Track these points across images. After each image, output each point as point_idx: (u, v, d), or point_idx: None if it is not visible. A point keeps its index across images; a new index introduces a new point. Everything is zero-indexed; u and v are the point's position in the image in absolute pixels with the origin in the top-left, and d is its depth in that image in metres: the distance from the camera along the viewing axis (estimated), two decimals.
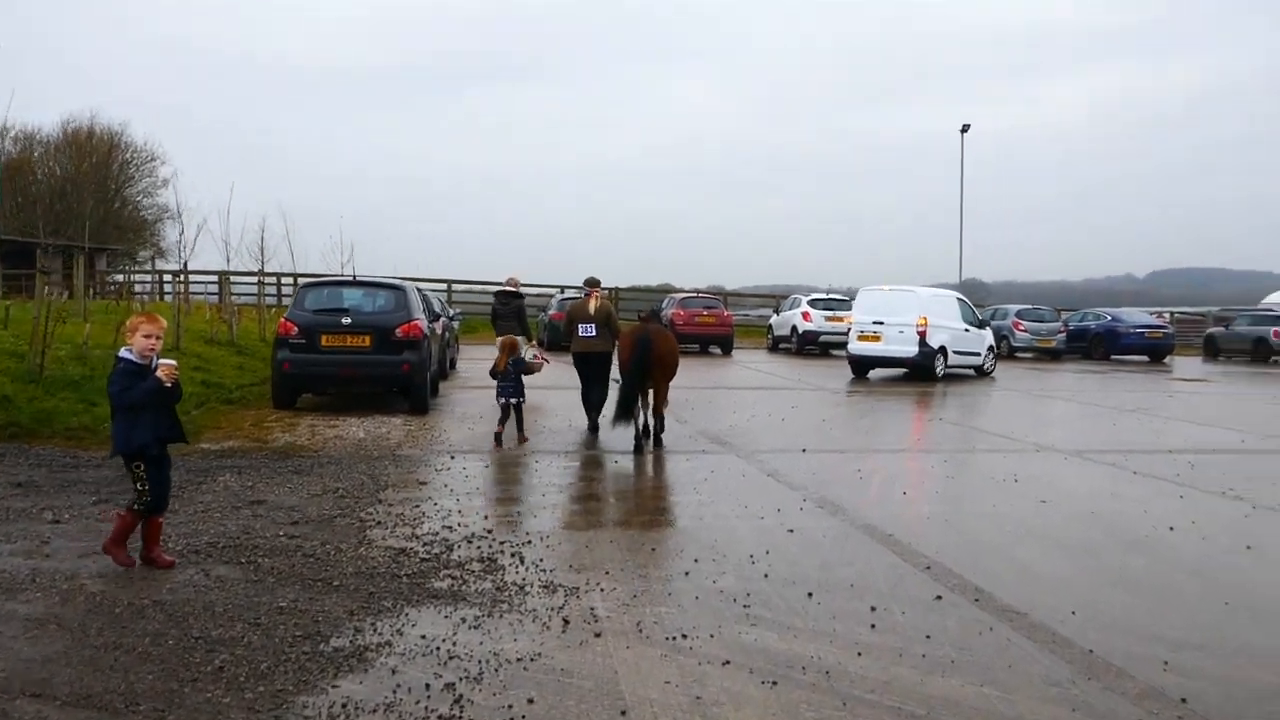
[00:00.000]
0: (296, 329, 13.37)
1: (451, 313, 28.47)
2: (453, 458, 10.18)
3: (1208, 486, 9.50)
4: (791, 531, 7.23)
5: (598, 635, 4.91)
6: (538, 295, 39.35)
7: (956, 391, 19.61)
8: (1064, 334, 32.75)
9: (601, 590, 5.67)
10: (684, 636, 4.92)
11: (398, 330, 13.50)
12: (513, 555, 6.38)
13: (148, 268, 54.88)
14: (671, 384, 11.82)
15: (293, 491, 8.23)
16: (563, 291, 35.39)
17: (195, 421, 11.92)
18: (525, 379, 11.92)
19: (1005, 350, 32.77)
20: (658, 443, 11.29)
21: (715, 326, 30.49)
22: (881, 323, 21.71)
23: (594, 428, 12.36)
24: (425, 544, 6.59)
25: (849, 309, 31.60)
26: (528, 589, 5.66)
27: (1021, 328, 32.47)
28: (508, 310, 16.81)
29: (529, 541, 6.76)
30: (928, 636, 5.01)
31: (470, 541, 6.70)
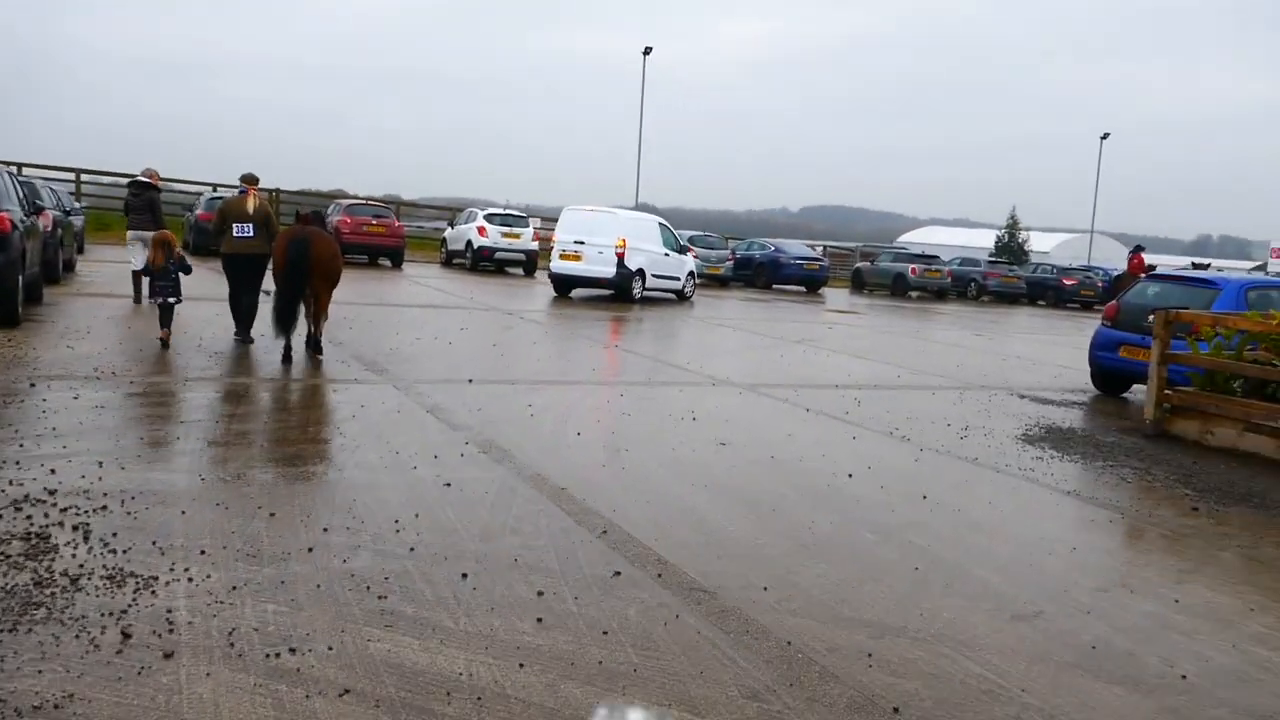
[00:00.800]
0: None
1: (73, 205, 24.67)
2: (33, 385, 8.15)
3: (876, 426, 9.41)
4: (448, 486, 6.12)
5: (168, 656, 3.58)
6: (181, 193, 35.31)
7: (644, 316, 19.27)
8: (731, 262, 33.67)
9: (190, 580, 4.31)
10: (292, 651, 3.70)
11: None
12: (75, 528, 4.82)
13: None
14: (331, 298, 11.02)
15: None
16: (214, 190, 31.86)
17: None
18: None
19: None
20: (317, 349, 10.73)
21: (385, 237, 28.54)
22: (582, 242, 21.90)
23: (245, 338, 11.51)
24: None
25: (526, 225, 30.83)
26: (83, 582, 4.19)
27: (693, 254, 32.96)
28: (140, 203, 15.44)
29: (104, 507, 5.19)
30: (604, 633, 4.11)
31: (19, 508, 5.05)
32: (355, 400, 8.67)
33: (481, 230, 29.95)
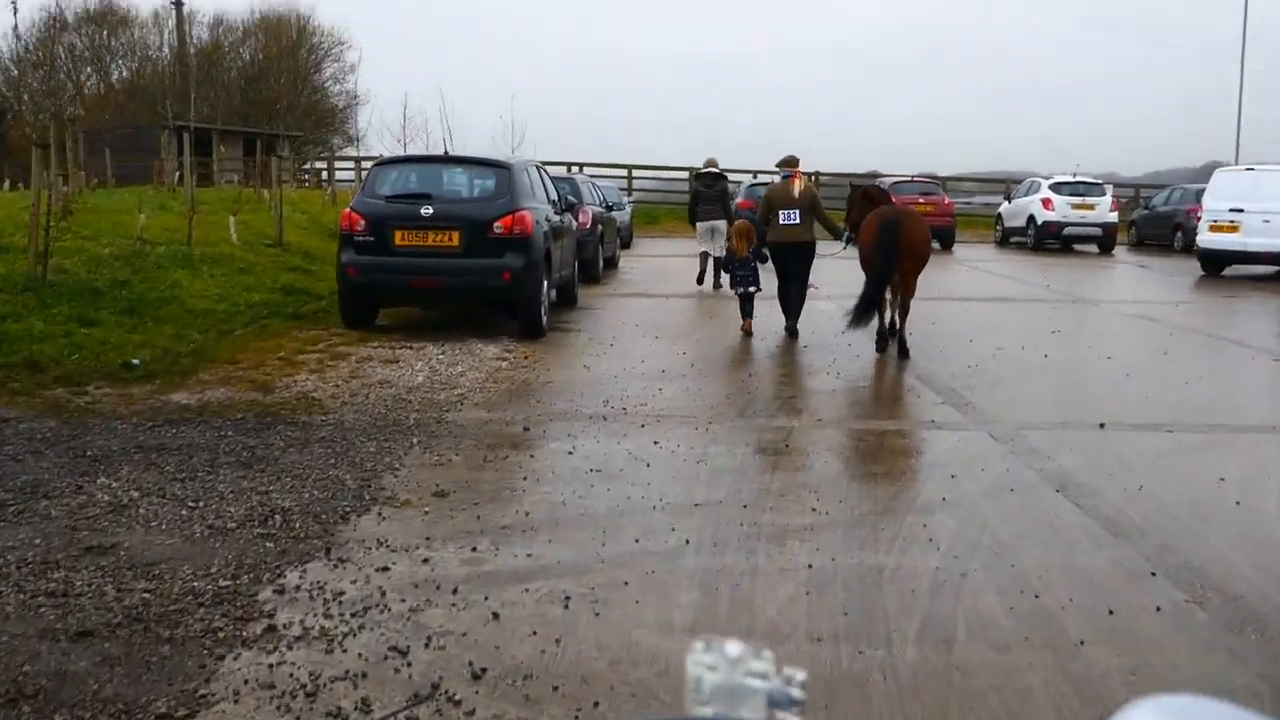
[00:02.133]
0: (364, 222, 9.87)
1: (621, 201, 24.74)
2: (526, 430, 6.43)
3: None
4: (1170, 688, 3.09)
5: None
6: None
7: None
8: None
9: None
10: None
11: (496, 224, 9.78)
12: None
13: (348, 154, 53.73)
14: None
15: (189, 518, 4.68)
16: (755, 177, 31.00)
17: (218, 348, 8.70)
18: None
19: None
20: (903, 353, 9.31)
21: (935, 216, 25.22)
22: (1241, 210, 18.02)
23: (793, 331, 10.58)
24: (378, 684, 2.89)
25: (1102, 194, 25.95)
26: None
27: None
28: (713, 193, 15.35)
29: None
30: None
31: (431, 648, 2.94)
32: (939, 462, 5.88)
33: (1047, 203, 25.65)
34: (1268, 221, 17.67)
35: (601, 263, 16.48)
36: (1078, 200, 25.48)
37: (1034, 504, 5.10)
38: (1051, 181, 26.14)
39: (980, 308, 13.32)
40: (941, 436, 6.45)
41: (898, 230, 9.30)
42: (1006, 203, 28.81)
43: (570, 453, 5.94)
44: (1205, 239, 19.03)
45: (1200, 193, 26.41)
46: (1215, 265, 19.16)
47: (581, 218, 15.41)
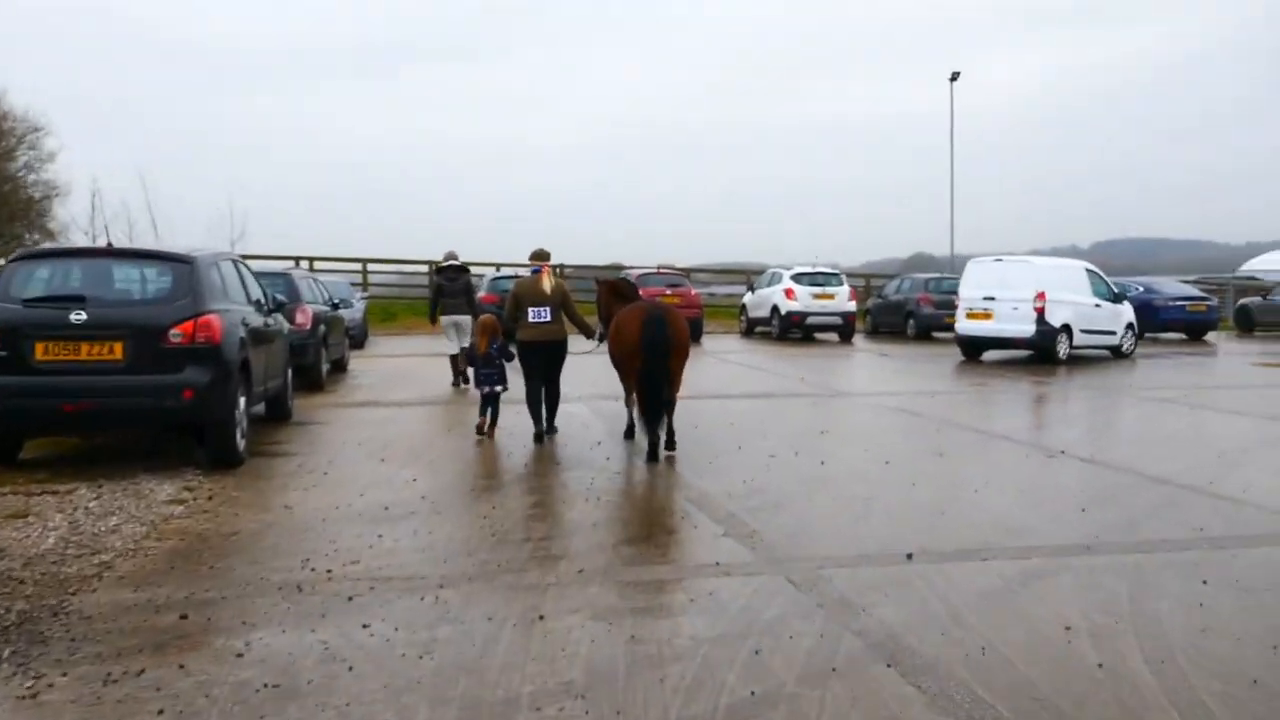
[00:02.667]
0: None
1: (351, 297, 22.82)
2: (184, 618, 4.65)
3: None
4: None
5: None
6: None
7: (1081, 385, 14.44)
8: None
9: None
10: None
11: (173, 331, 7.88)
12: None
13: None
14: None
15: None
16: (498, 270, 29.80)
17: None
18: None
19: None
20: (669, 444, 8.97)
21: (683, 308, 24.85)
22: (993, 298, 19.10)
23: (540, 438, 9.88)
24: None
25: (840, 284, 26.53)
26: None
27: None
28: (456, 287, 14.84)
29: None
30: None
31: None
32: (735, 630, 4.58)
33: (789, 293, 25.90)
34: (1016, 309, 18.72)
35: (325, 368, 14.58)
36: (818, 290, 25.89)
37: (868, 693, 3.88)
38: (793, 272, 26.47)
39: (741, 406, 12.47)
40: (732, 587, 5.18)
41: (665, 327, 8.81)
42: (750, 293, 29.00)
43: (241, 655, 4.23)
44: (963, 325, 19.91)
45: (928, 282, 27.59)
46: (974, 349, 20.13)
47: (299, 318, 13.59)
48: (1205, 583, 5.30)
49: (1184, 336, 28.22)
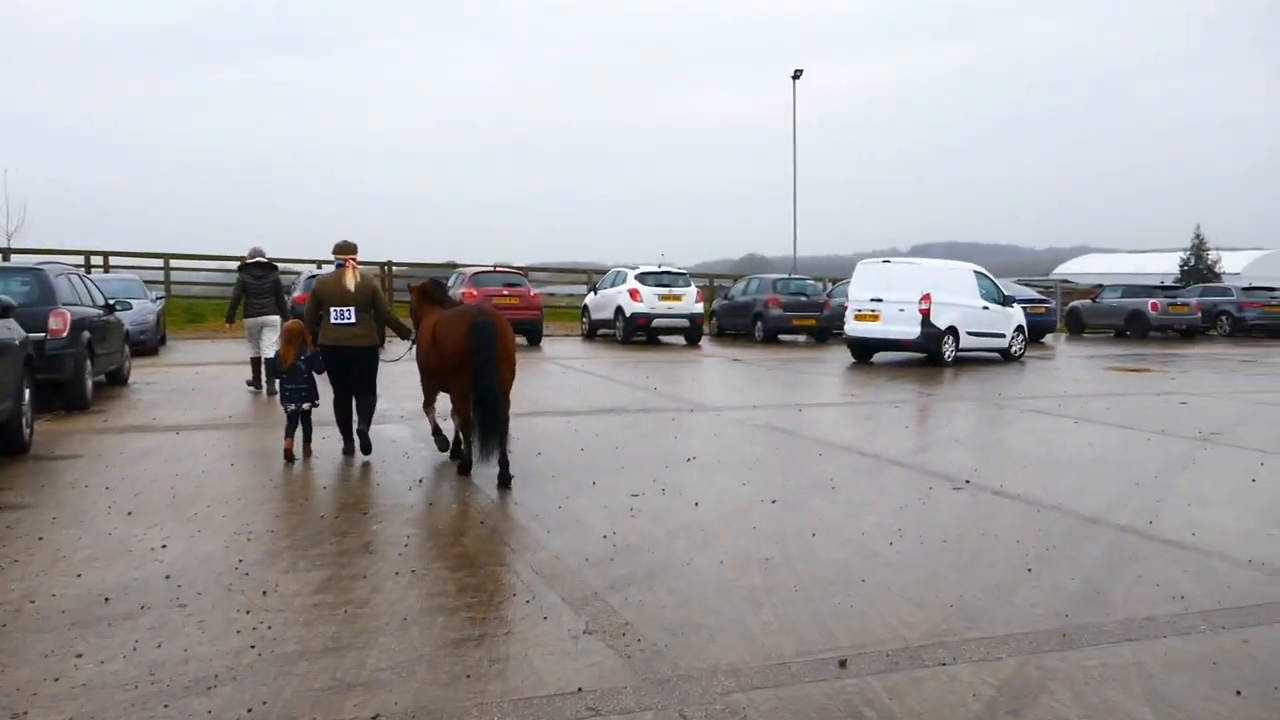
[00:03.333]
0: None
1: (138, 296, 20.05)
2: None
3: None
4: None
5: None
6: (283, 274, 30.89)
7: (954, 394, 13.28)
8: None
9: None
10: None
11: None
12: None
13: None
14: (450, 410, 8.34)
15: None
16: (319, 268, 27.22)
17: None
18: None
19: None
20: (505, 479, 7.51)
21: (522, 309, 23.20)
22: (880, 300, 18.97)
23: (349, 451, 8.83)
24: None
25: (687, 285, 25.25)
26: None
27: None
28: (263, 286, 13.66)
29: None
30: None
31: None
32: None
33: (634, 294, 24.43)
34: (903, 310, 18.52)
35: (92, 382, 12.11)
36: (664, 291, 24.53)
37: None
38: (638, 272, 25.02)
39: (591, 425, 10.80)
40: None
41: (494, 334, 7.66)
42: (593, 294, 27.41)
43: None
44: (852, 327, 19.66)
45: (776, 283, 26.62)
46: (863, 352, 19.96)
47: (54, 323, 11.19)
48: (1239, 694, 3.93)
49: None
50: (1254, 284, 34.34)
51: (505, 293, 23.20)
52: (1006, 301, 20.36)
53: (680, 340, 25.65)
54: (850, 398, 13.74)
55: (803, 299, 25.98)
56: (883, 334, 19.00)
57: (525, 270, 31.84)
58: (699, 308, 24.89)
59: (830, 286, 31.12)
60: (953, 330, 18.68)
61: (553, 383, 15.14)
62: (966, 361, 19.62)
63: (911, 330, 18.45)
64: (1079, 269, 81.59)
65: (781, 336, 26.66)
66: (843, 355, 21.54)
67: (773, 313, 25.66)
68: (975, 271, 20.19)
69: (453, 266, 28.95)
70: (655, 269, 25.16)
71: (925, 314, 18.28)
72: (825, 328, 26.24)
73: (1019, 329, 20.43)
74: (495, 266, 24.52)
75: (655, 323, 24.37)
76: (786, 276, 27.35)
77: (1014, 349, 20.35)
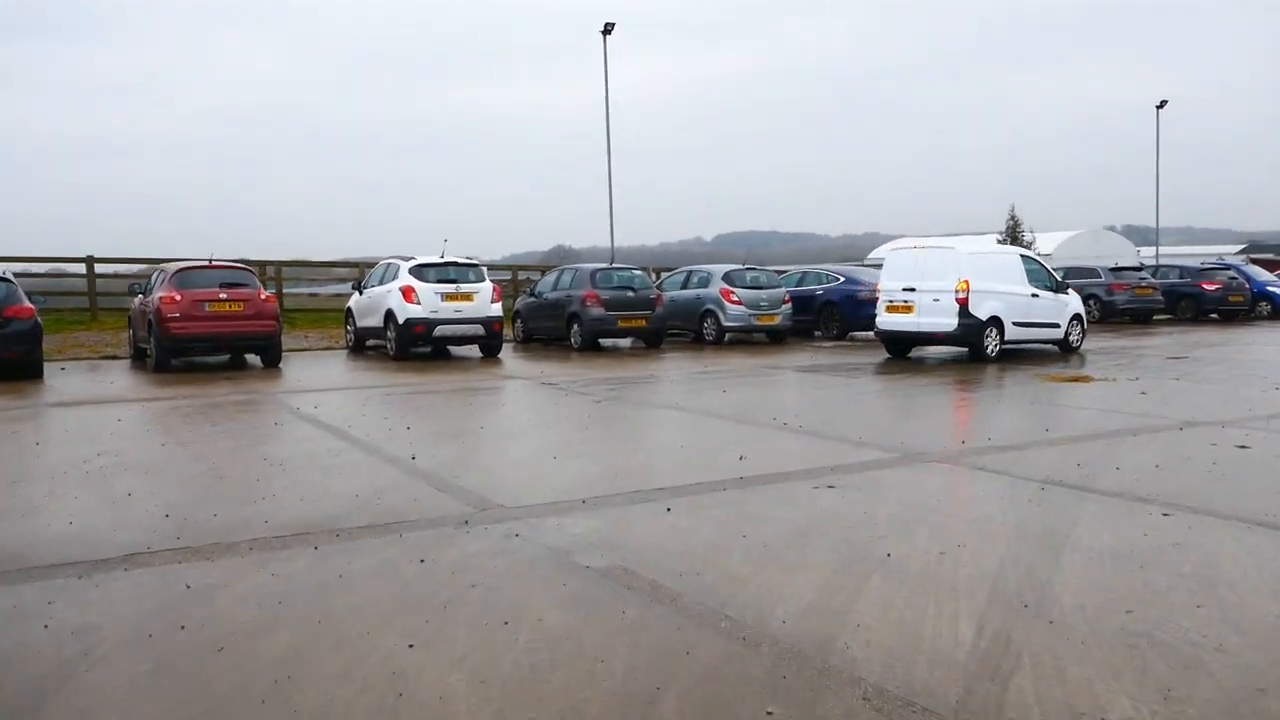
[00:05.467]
0: None
1: None
2: None
3: None
4: None
5: None
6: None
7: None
8: (789, 305, 22.43)
9: None
10: None
11: None
12: None
13: None
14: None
15: None
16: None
17: None
18: None
19: (714, 333, 21.97)
20: None
21: (246, 320, 16.68)
22: (913, 289, 17.31)
23: None
24: None
25: (481, 280, 19.31)
26: None
27: (734, 298, 21.74)
28: None
29: None
30: None
31: None
32: None
33: (408, 293, 18.27)
34: (938, 300, 16.79)
35: None
36: (450, 289, 18.52)
37: None
38: (413, 264, 18.87)
39: (227, 600, 4.82)
40: None
41: None
42: (358, 294, 21.03)
43: None
44: (883, 320, 17.92)
45: (595, 274, 21.05)
46: (898, 347, 18.19)
47: None
48: None
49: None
50: (1120, 264, 31.33)
51: (223, 296, 16.61)
52: (1060, 288, 18.59)
53: (475, 353, 19.70)
54: (746, 461, 8.19)
55: (629, 294, 20.51)
56: (917, 326, 17.20)
57: (260, 265, 25.05)
58: (497, 309, 18.96)
59: (662, 278, 25.82)
60: (996, 321, 16.93)
61: (245, 453, 8.96)
62: (1015, 354, 17.97)
63: (948, 322, 16.66)
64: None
65: (604, 341, 21.19)
66: (701, 365, 16.22)
67: (592, 312, 20.07)
68: (1021, 255, 18.50)
69: (155, 263, 21.81)
70: (437, 260, 19.05)
71: (963, 303, 16.51)
72: (658, 329, 20.88)
73: (1076, 318, 18.86)
74: (211, 261, 17.78)
75: (439, 330, 18.30)
76: (607, 266, 21.78)
77: (1071, 339, 18.79)
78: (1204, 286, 28.61)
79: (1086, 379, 14.21)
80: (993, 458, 8.24)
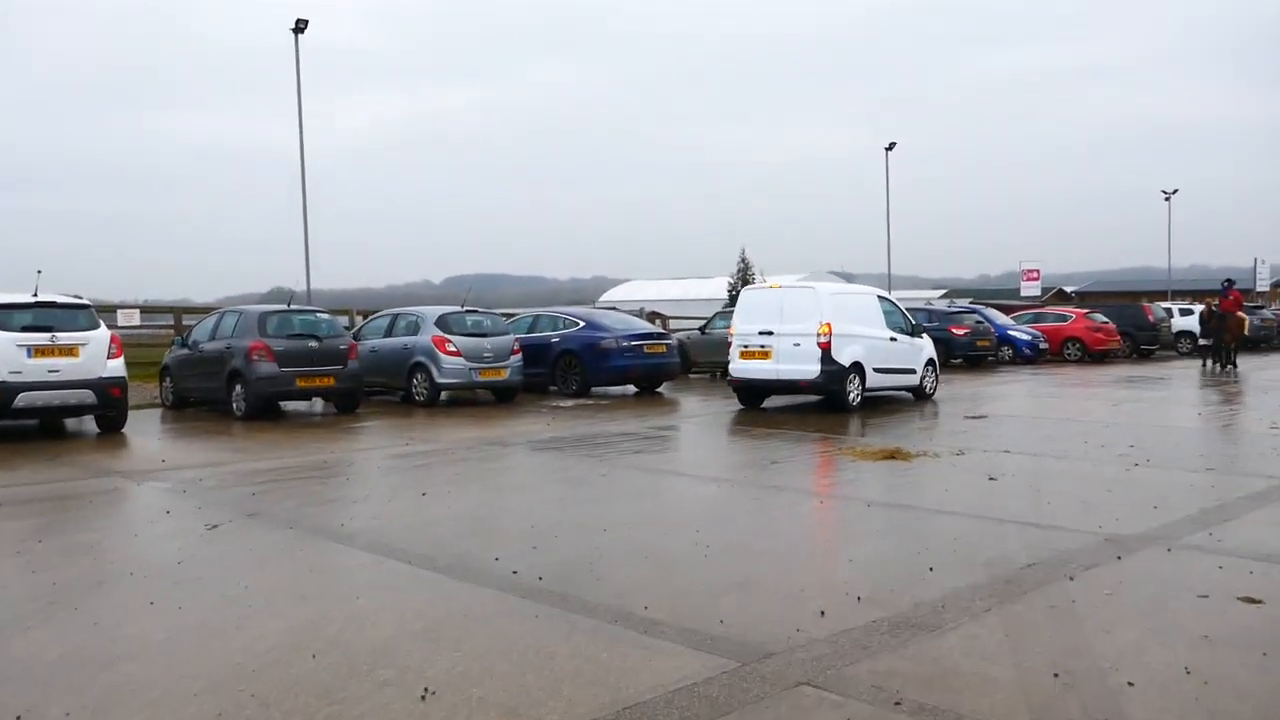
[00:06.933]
0: None
1: None
2: None
3: None
4: None
5: None
6: None
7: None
8: (518, 355, 18.30)
9: None
10: None
11: None
12: None
13: None
14: None
15: None
16: None
17: None
18: None
19: (427, 391, 17.50)
20: None
21: None
22: (771, 333, 15.56)
23: None
24: None
25: (90, 326, 13.91)
26: None
27: (451, 348, 17.37)
28: None
29: None
30: None
31: None
32: None
33: None
34: (798, 345, 15.40)
35: None
36: (44, 341, 13.06)
37: None
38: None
39: None
40: None
41: None
42: None
43: None
44: (737, 367, 16.29)
45: (266, 318, 16.10)
46: (752, 396, 16.68)
47: None
48: None
49: (641, 389, 20.16)
50: (956, 304, 29.94)
51: None
52: (915, 331, 17.41)
53: (91, 427, 14.26)
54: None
55: (311, 345, 15.69)
56: (775, 374, 15.69)
57: None
58: (117, 367, 13.63)
59: (360, 323, 21.05)
60: (858, 367, 15.64)
61: None
62: (872, 402, 16.58)
63: (810, 369, 15.30)
64: (625, 295, 78.50)
65: (286, 405, 16.21)
66: (403, 441, 11.79)
67: (260, 369, 15.10)
68: (879, 296, 17.28)
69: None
70: (21, 300, 13.47)
71: (825, 348, 15.19)
72: (351, 389, 16.20)
73: (930, 362, 17.74)
74: None
75: (22, 400, 12.76)
76: (284, 309, 16.75)
77: (926, 386, 17.62)
78: (953, 331, 27.25)
79: (905, 455, 10.98)
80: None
